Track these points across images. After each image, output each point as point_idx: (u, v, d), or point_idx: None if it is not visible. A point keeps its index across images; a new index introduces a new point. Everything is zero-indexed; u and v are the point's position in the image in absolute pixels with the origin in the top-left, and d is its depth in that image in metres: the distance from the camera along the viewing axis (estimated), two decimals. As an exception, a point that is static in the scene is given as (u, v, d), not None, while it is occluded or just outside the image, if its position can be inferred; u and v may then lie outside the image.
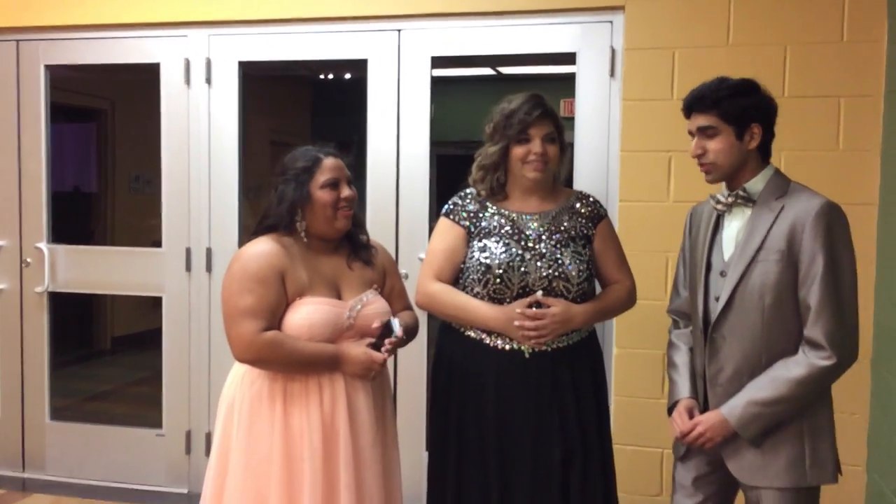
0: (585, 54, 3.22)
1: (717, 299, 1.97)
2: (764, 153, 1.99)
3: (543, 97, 2.30)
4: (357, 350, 2.03)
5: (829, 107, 2.95)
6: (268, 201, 2.13)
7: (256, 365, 2.03)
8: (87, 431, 3.86)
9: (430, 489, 2.35)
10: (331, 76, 7.63)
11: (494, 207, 2.30)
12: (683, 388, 2.09)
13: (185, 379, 3.67)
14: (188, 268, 3.65)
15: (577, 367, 2.26)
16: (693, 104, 1.97)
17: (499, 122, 2.26)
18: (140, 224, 6.24)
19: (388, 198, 3.44)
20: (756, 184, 1.96)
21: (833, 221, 1.86)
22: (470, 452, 2.25)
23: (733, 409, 1.90)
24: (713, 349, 1.97)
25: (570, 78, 3.30)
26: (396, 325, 2.08)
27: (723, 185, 2.03)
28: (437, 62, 3.38)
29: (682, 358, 2.14)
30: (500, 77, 6.05)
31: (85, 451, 3.80)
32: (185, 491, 3.66)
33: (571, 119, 3.28)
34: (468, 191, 2.37)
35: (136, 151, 6.64)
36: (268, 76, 6.34)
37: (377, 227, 3.15)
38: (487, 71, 5.84)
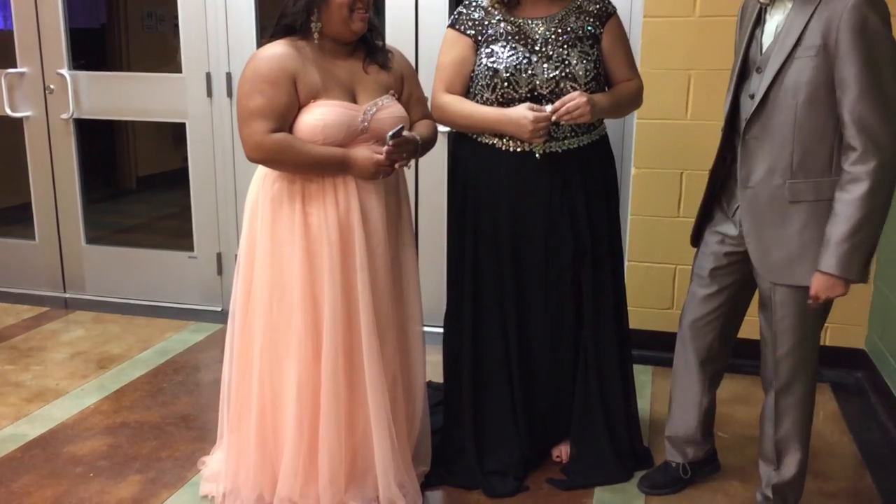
0: None
1: (751, 97, 1.94)
2: None
3: None
4: (363, 153, 2.08)
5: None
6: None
7: (266, 164, 2.10)
8: (123, 254, 4.04)
9: (449, 291, 2.46)
10: None
11: (500, 14, 2.28)
12: None
13: (213, 202, 3.78)
14: (209, 93, 3.67)
15: (588, 168, 2.31)
16: None
17: None
18: (155, 66, 6.19)
19: (408, 30, 3.38)
20: None
21: (869, 14, 1.77)
22: (486, 252, 2.34)
23: (828, 260, 1.83)
24: (745, 151, 1.96)
25: None
26: (403, 131, 2.08)
27: None
28: None
29: None
30: None
31: (122, 273, 3.99)
32: (220, 309, 3.86)
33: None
34: None
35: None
36: None
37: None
38: None
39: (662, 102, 3.09)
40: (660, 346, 3.29)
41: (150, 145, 6.65)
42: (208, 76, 3.65)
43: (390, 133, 2.04)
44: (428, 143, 2.26)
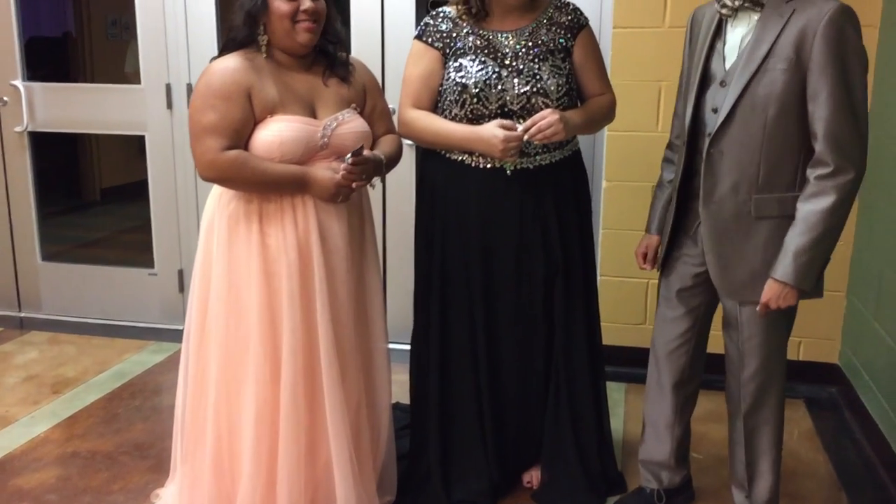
0: None
1: (714, 111, 1.89)
2: None
3: None
4: (323, 172, 1.99)
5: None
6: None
7: (220, 183, 2.01)
8: (81, 272, 3.90)
9: (417, 312, 2.38)
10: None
11: (469, 27, 2.20)
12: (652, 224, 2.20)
13: (174, 217, 3.67)
14: (169, 105, 3.56)
15: (560, 184, 2.23)
16: None
17: None
18: (120, 74, 6.06)
19: (374, 45, 3.30)
20: None
21: (845, 28, 1.73)
22: (454, 271, 2.26)
23: (785, 268, 1.80)
24: (709, 165, 1.90)
25: None
26: (364, 150, 1.99)
27: None
28: None
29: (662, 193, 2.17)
30: None
31: (79, 291, 3.85)
32: (181, 327, 3.69)
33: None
34: (440, 10, 2.26)
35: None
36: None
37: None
38: None
39: (633, 114, 3.04)
40: (633, 363, 3.22)
41: (116, 155, 6.49)
42: (168, 87, 3.55)
43: (350, 154, 1.95)
44: (393, 160, 2.17)
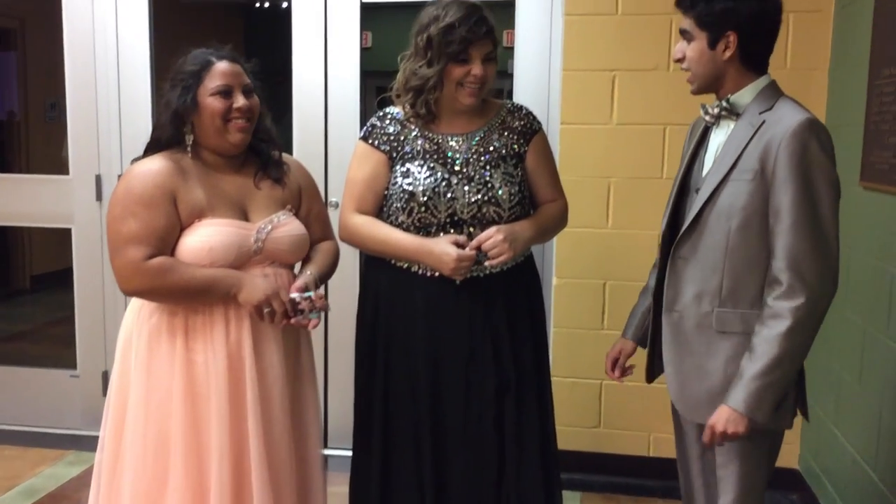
0: (527, -34, 3.02)
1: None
2: (754, 64, 1.76)
3: (482, 7, 2.07)
4: (261, 281, 1.83)
5: (779, 23, 2.82)
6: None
7: (144, 296, 1.85)
8: (-4, 373, 3.61)
9: (357, 427, 2.20)
10: (266, 4, 7.25)
11: (417, 129, 2.10)
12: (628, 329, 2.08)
13: (100, 317, 3.44)
14: (98, 197, 3.38)
15: (512, 293, 2.12)
16: (678, 3, 1.77)
17: (435, 37, 2.00)
18: (57, 155, 5.87)
19: (317, 131, 3.21)
20: (743, 96, 1.75)
21: (810, 142, 1.64)
22: (398, 386, 2.11)
23: (736, 395, 1.68)
24: (673, 271, 1.81)
25: (512, 5, 3.09)
26: (303, 302, 1.88)
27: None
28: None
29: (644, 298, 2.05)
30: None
31: (-7, 395, 3.56)
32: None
33: (511, 49, 3.11)
34: (388, 110, 2.16)
35: (50, 76, 6.18)
36: (198, 4, 5.96)
37: (305, 161, 2.95)
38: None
39: (583, 211, 2.96)
40: (587, 468, 3.08)
41: (47, 241, 6.22)
42: (98, 179, 3.37)
43: (293, 296, 1.85)
44: (327, 274, 2.05)
